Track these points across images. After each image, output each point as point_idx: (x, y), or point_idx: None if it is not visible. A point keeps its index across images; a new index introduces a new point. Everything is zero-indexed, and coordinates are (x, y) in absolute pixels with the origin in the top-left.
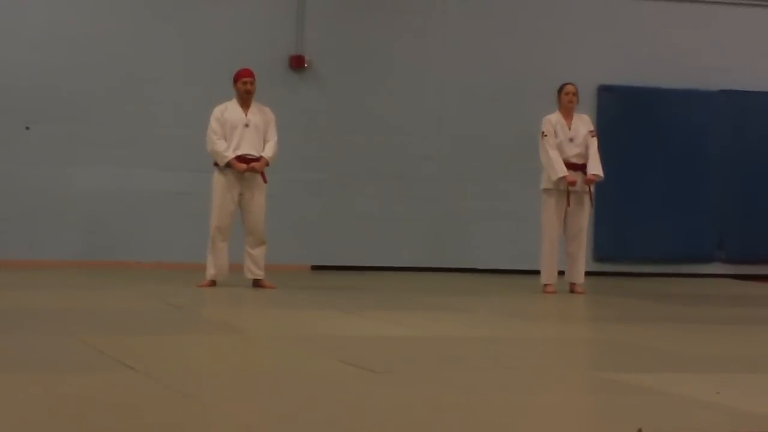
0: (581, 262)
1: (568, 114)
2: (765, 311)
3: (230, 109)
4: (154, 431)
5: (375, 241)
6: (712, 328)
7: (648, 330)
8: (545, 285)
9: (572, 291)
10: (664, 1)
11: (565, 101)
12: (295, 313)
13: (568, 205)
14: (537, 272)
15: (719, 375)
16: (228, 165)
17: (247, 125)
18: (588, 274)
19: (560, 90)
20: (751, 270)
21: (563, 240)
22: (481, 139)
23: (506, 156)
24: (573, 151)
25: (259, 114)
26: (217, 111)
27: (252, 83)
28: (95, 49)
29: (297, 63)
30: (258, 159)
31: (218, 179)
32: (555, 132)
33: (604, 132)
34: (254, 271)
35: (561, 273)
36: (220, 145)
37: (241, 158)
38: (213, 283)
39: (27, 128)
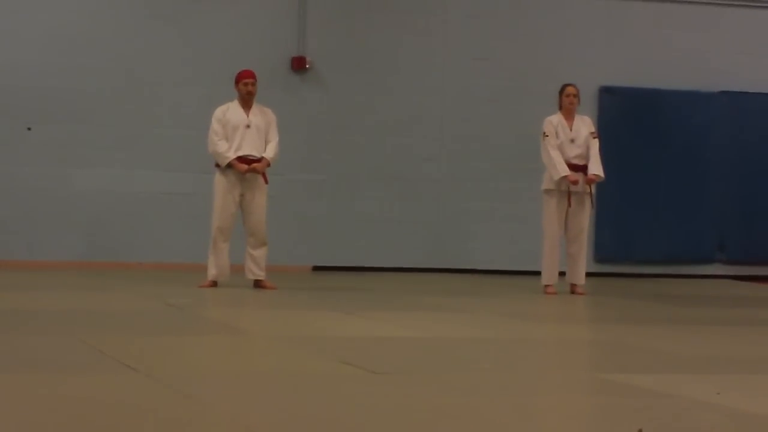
0: (582, 263)
1: (569, 115)
2: (765, 312)
3: (231, 110)
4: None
5: (376, 241)
6: (713, 329)
7: (648, 331)
8: (546, 286)
9: (573, 292)
10: (666, 3)
11: (566, 102)
12: (296, 313)
13: (569, 205)
14: (538, 273)
15: (720, 376)
16: (229, 166)
17: (248, 126)
18: (589, 275)
19: (561, 91)
20: (751, 271)
21: (564, 241)
22: (482, 140)
23: (507, 157)
24: (574, 152)
25: (260, 115)
26: (219, 112)
27: (253, 84)
28: (97, 50)
29: (298, 64)
30: (259, 160)
31: (219, 180)
32: (556, 133)
33: (605, 133)
34: (255, 271)
35: (562, 274)
36: (221, 146)
37: (242, 159)
38: (214, 284)
39: (29, 129)
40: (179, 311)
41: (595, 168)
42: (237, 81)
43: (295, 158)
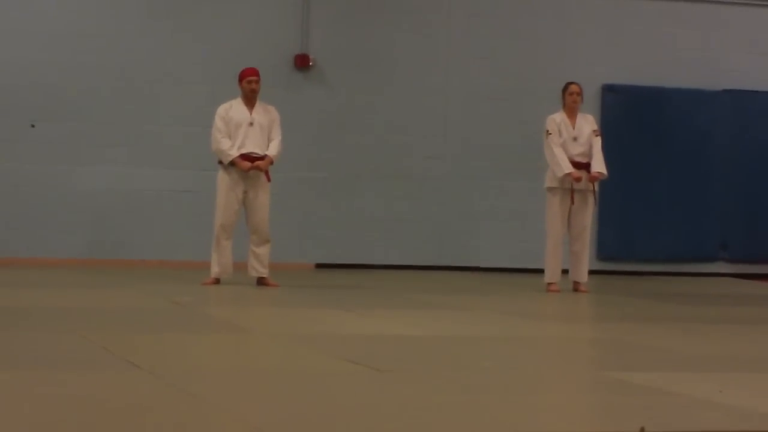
0: (585, 261)
1: (572, 113)
2: None
3: (235, 108)
4: (158, 429)
5: (379, 239)
6: (715, 328)
7: (651, 329)
8: (549, 284)
9: (576, 290)
10: (669, 1)
11: (570, 101)
12: (299, 311)
13: (573, 203)
14: (541, 271)
15: (722, 374)
16: (232, 163)
17: (251, 124)
18: (591, 273)
19: (564, 89)
20: (754, 269)
21: (567, 239)
22: (485, 139)
23: (510, 155)
24: (577, 150)
25: (263, 113)
26: (222, 110)
27: (257, 82)
28: (100, 48)
29: (302, 62)
30: (262, 158)
31: (222, 178)
32: (559, 131)
33: (608, 132)
34: (258, 269)
35: (565, 272)
36: (224, 144)
37: (245, 157)
38: (217, 282)
39: (32, 126)
40: (182, 309)
41: (598, 166)
42: (240, 79)
43: (298, 156)
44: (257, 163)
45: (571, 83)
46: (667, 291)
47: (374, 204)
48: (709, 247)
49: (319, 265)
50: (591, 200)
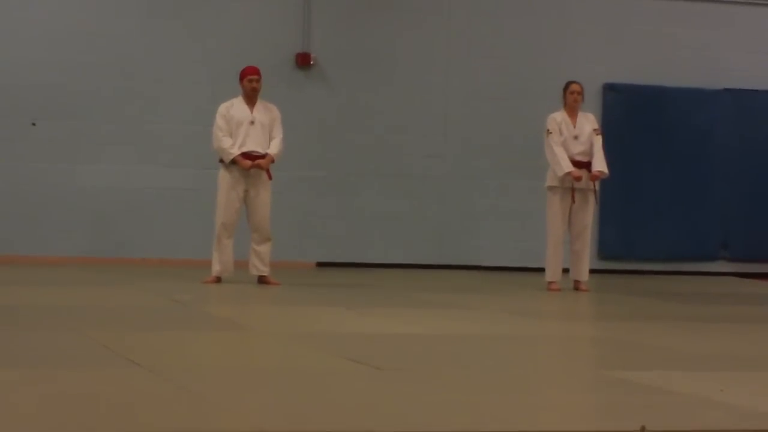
0: (585, 259)
1: (572, 112)
2: None
3: (236, 107)
4: (159, 427)
5: (380, 238)
6: (716, 327)
7: (652, 328)
8: (549, 283)
9: (576, 289)
10: (669, 1)
11: (570, 100)
12: (300, 310)
13: (573, 202)
14: (541, 270)
15: (723, 373)
16: (233, 162)
17: (252, 122)
18: (592, 272)
19: (565, 88)
20: (755, 268)
21: (568, 238)
22: (485, 138)
23: (511, 154)
24: (578, 149)
25: (264, 111)
26: (223, 108)
27: (258, 81)
28: (101, 46)
29: (303, 61)
30: (263, 156)
31: (223, 176)
32: (560, 130)
33: (608, 131)
34: (259, 267)
35: (566, 271)
36: (225, 142)
37: (246, 155)
38: (218, 280)
39: (33, 125)
40: (183, 307)
41: (599, 165)
42: (241, 77)
43: (299, 154)
44: (258, 161)
45: (572, 82)
46: (667, 290)
47: (375, 203)
48: (709, 246)
49: (319, 264)
50: (592, 199)
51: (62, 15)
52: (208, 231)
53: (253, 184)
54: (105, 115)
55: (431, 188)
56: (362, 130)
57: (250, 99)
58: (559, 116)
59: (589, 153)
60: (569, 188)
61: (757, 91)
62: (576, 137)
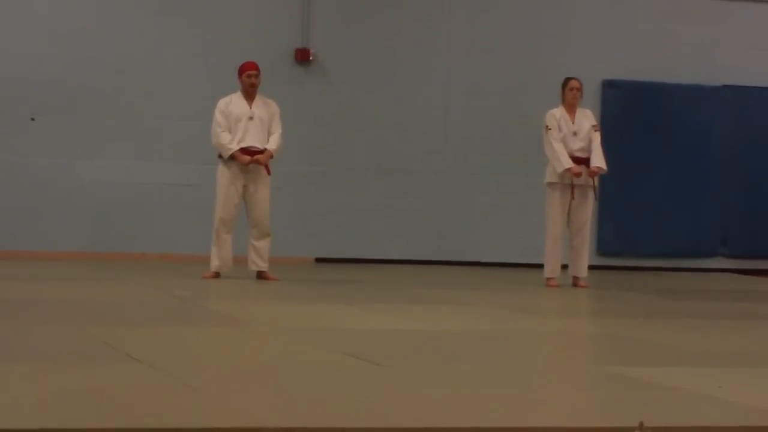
0: (585, 256)
1: (571, 109)
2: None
3: (235, 102)
4: (158, 423)
5: (379, 234)
6: (715, 323)
7: (650, 324)
8: (548, 279)
9: (575, 285)
10: None
11: (570, 96)
12: (299, 305)
13: (573, 198)
14: (541, 266)
15: (722, 369)
16: (232, 157)
17: (251, 118)
18: (591, 268)
19: (564, 85)
20: (754, 265)
21: (567, 234)
22: (485, 134)
23: (511, 150)
24: (577, 145)
25: (263, 107)
26: (222, 104)
27: (257, 76)
28: (101, 41)
29: (302, 56)
30: (262, 151)
31: (222, 172)
32: (559, 126)
33: (608, 127)
34: (258, 263)
35: (565, 267)
36: (224, 138)
37: (245, 151)
38: (217, 275)
39: (32, 119)
40: (182, 302)
41: (598, 161)
42: (240, 73)
43: (298, 150)
44: (257, 156)
45: (571, 78)
46: (666, 286)
47: (374, 198)
48: (709, 242)
49: (319, 260)
50: (591, 195)
51: (62, 10)
52: (207, 226)
53: (252, 180)
54: (104, 111)
55: (431, 184)
56: (362, 125)
57: (249, 94)
58: (558, 112)
59: (588, 149)
60: (569, 184)
61: (756, 87)
62: (575, 134)
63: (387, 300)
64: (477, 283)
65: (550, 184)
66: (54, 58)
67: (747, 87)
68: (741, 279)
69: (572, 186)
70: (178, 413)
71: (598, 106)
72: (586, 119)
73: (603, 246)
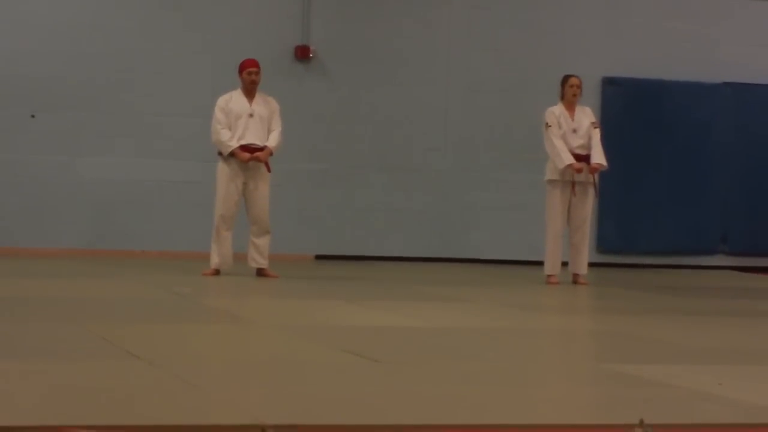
0: (585, 253)
1: (570, 106)
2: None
3: (235, 99)
4: (158, 419)
5: (379, 231)
6: (715, 320)
7: (650, 321)
8: (548, 276)
9: (575, 282)
10: None
11: (569, 94)
12: (298, 302)
13: (573, 195)
14: (541, 263)
15: (722, 366)
16: (232, 155)
17: (251, 115)
18: (592, 265)
19: (564, 82)
20: (754, 262)
21: (567, 231)
22: (485, 131)
23: (511, 147)
24: (576, 143)
25: (263, 104)
26: (222, 101)
27: (257, 73)
28: (101, 38)
29: (302, 53)
30: (262, 149)
31: (222, 169)
32: (558, 123)
33: (608, 124)
34: (258, 260)
35: (565, 264)
36: (224, 135)
37: (245, 148)
38: (217, 272)
39: (32, 117)
40: (182, 299)
41: (598, 157)
42: (240, 70)
43: (298, 147)
44: (257, 154)
45: (571, 76)
46: (667, 284)
47: (374, 196)
48: (709, 239)
49: (318, 257)
50: (591, 192)
51: (62, 6)
52: (207, 223)
53: (252, 177)
54: (104, 108)
55: (431, 181)
56: (362, 122)
57: (249, 92)
58: (557, 110)
59: (588, 146)
60: (569, 181)
61: (756, 84)
62: (574, 131)
63: (387, 297)
64: (477, 280)
65: (551, 182)
66: (54, 55)
67: (747, 84)
68: (741, 276)
69: (573, 183)
70: (178, 410)
71: (598, 104)
72: (586, 116)
73: (603, 243)
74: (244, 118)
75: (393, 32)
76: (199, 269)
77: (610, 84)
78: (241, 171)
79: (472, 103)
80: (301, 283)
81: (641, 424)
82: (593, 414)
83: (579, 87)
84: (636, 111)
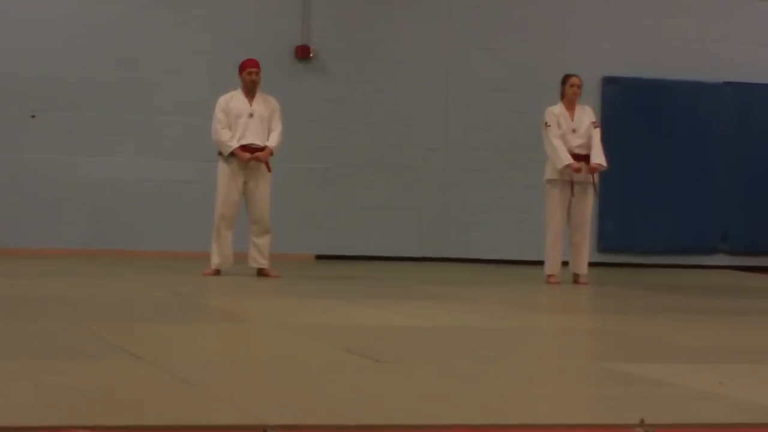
0: (585, 252)
1: (570, 105)
2: None
3: (235, 99)
4: (159, 419)
5: (379, 231)
6: (716, 319)
7: (651, 321)
8: (549, 275)
9: (576, 282)
10: None
11: (570, 93)
12: (299, 302)
13: (573, 195)
14: (541, 263)
15: (722, 366)
16: (232, 154)
17: (251, 115)
18: (592, 265)
19: (564, 81)
20: (754, 261)
21: (567, 231)
22: (485, 130)
23: (511, 147)
24: (576, 142)
25: (263, 104)
26: (222, 101)
27: (257, 73)
28: (101, 38)
29: (302, 53)
30: (262, 149)
31: (223, 168)
32: (558, 123)
33: (608, 124)
34: (259, 260)
35: (565, 264)
36: (224, 135)
37: (245, 148)
38: (217, 272)
39: (33, 116)
40: (183, 299)
41: (598, 157)
42: (241, 70)
43: (298, 147)
44: (257, 154)
45: (571, 75)
46: (667, 283)
47: (375, 195)
48: (709, 239)
49: (319, 256)
50: (591, 192)
51: (62, 6)
52: (207, 223)
53: (252, 177)
54: (105, 107)
55: (431, 181)
56: (362, 122)
57: (250, 91)
58: (557, 109)
59: (588, 146)
60: (569, 181)
61: (757, 84)
62: (574, 130)
63: (387, 297)
64: (477, 279)
65: (550, 181)
66: (54, 54)
67: (748, 83)
68: (741, 276)
69: (572, 182)
70: (179, 410)
71: (598, 103)
72: (586, 116)
73: (603, 243)
74: (244, 118)
75: (393, 32)
76: (199, 269)
77: (610, 83)
78: (241, 171)
79: (472, 102)
80: (301, 283)
81: (642, 423)
82: (594, 413)
83: (579, 86)
84: (636, 110)
